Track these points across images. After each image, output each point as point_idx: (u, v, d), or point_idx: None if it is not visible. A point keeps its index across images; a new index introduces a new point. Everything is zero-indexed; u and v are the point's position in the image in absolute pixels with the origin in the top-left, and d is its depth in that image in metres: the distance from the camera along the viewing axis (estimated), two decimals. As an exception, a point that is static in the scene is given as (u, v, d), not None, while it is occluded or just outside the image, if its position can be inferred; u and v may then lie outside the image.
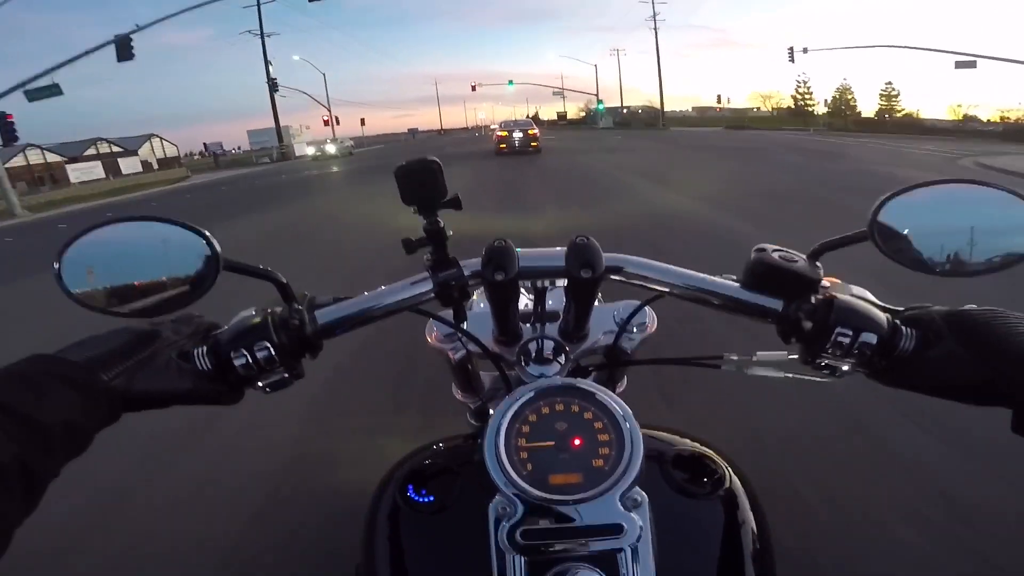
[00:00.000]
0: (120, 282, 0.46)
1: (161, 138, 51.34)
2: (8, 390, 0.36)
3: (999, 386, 0.40)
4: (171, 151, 51.50)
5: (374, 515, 0.56)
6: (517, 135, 20.79)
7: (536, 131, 21.29)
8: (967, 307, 0.44)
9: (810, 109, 61.25)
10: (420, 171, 0.47)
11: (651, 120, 56.09)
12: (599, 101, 55.75)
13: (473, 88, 55.60)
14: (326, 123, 46.48)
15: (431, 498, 0.54)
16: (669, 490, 0.52)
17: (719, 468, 0.54)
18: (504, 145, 20.72)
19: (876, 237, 0.45)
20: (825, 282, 0.49)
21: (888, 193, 0.45)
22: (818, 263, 0.49)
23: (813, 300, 0.48)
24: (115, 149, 44.83)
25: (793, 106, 61.54)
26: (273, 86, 37.89)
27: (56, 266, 0.44)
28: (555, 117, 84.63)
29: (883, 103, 58.39)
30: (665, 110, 57.20)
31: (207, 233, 0.45)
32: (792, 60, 36.81)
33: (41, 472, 0.35)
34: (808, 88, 61.91)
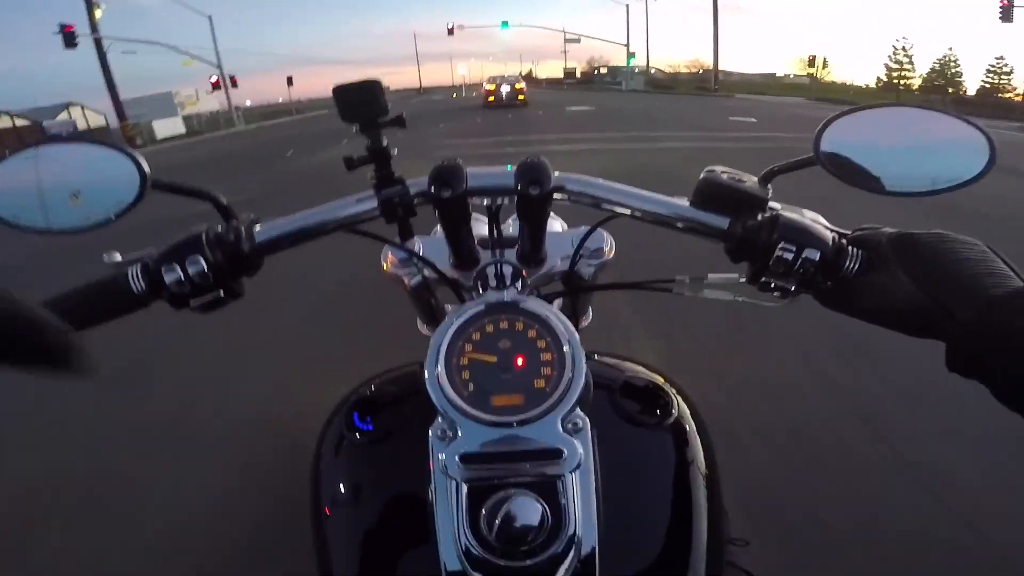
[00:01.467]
0: (47, 202, 0.46)
1: (83, 107, 40.54)
2: None
3: (936, 317, 0.37)
4: (97, 121, 39.95)
5: (321, 445, 0.55)
6: (505, 89, 22.45)
7: (523, 86, 23.06)
8: (914, 231, 0.41)
9: (907, 83, 46.35)
10: (359, 89, 0.46)
11: (700, 82, 40.04)
12: (630, 55, 39.09)
13: (450, 31, 38.76)
14: (215, 87, 29.53)
15: (376, 426, 0.53)
16: (617, 418, 0.52)
17: (668, 398, 0.54)
18: (492, 99, 22.34)
19: (822, 159, 0.45)
20: (776, 205, 0.48)
21: (831, 115, 0.45)
22: (768, 186, 0.48)
23: (759, 218, 0.47)
24: (19, 123, 30.90)
25: (886, 78, 46.47)
26: (67, 38, 19.72)
27: None
28: (560, 75, 67.21)
29: (990, 80, 44.35)
30: (670, 72, 41.38)
31: (134, 153, 0.45)
32: (1009, 19, 22.41)
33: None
34: (909, 57, 46.67)
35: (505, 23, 37.85)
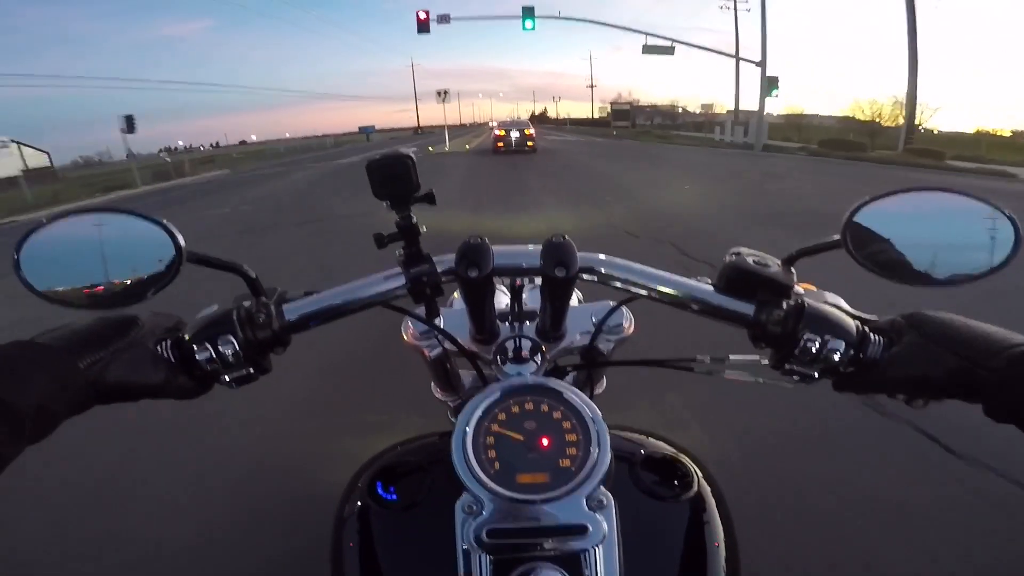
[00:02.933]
0: (81, 273, 0.45)
1: (20, 144, 38.76)
2: None
3: (964, 375, 0.40)
4: (38, 161, 38.46)
5: (342, 514, 0.55)
6: (514, 134, 21.19)
7: (532, 132, 21.59)
8: (925, 310, 0.44)
9: None
10: (391, 164, 0.47)
11: (870, 135, 21.67)
12: (771, 85, 19.62)
13: (422, 23, 20.78)
14: None
15: (400, 496, 0.53)
16: (637, 492, 0.52)
17: (688, 471, 0.55)
18: (502, 144, 21.09)
19: (848, 244, 0.45)
20: (799, 288, 0.49)
21: (862, 200, 0.45)
22: (792, 269, 0.49)
23: (784, 306, 0.48)
24: None
25: None
26: None
27: (15, 257, 0.43)
28: (586, 115, 49.65)
29: None
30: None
31: (169, 224, 0.45)
32: None
33: (3, 454, 0.35)
34: None
35: (529, 16, 20.23)
